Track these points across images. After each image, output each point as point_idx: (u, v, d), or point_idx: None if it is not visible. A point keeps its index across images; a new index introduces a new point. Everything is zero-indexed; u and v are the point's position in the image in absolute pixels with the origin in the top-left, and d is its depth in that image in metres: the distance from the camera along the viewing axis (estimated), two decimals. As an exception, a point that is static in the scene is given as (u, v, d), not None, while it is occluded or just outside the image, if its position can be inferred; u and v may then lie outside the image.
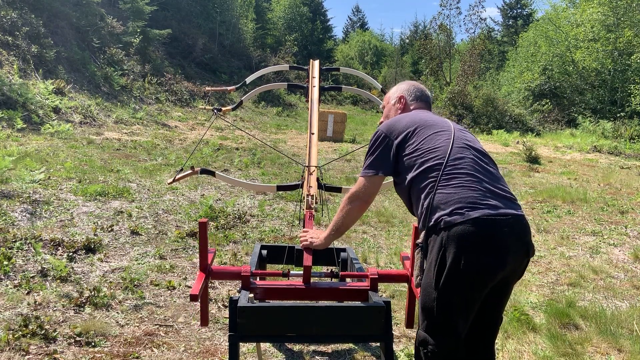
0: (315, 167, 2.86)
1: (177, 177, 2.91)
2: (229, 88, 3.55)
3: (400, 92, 2.33)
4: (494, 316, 2.00)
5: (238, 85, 3.63)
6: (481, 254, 1.78)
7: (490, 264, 1.79)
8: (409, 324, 2.50)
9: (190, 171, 2.94)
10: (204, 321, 2.38)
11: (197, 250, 4.49)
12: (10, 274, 3.64)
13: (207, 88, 3.72)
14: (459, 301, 1.83)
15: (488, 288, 1.85)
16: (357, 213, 2.14)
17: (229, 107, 3.49)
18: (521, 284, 4.22)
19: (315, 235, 2.29)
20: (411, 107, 2.29)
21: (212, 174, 3.03)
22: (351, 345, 3.05)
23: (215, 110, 3.28)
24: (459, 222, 1.78)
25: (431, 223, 1.86)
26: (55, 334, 2.89)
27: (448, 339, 1.86)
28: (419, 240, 1.94)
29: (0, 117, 9.24)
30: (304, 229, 2.41)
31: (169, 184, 3.03)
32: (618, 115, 20.70)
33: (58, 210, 5.17)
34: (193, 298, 2.07)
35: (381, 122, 2.33)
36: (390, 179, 2.20)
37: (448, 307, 1.83)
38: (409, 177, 1.98)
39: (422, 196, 1.92)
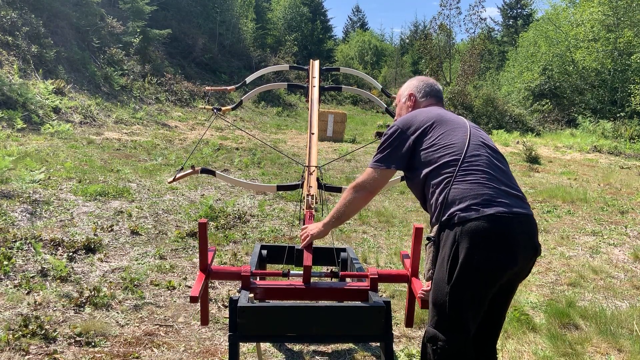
0: (316, 167, 2.86)
1: (178, 176, 2.91)
2: (228, 88, 3.55)
3: (410, 90, 2.32)
4: (499, 315, 2.02)
5: (238, 85, 3.62)
6: (494, 251, 1.79)
7: (502, 261, 1.81)
8: (409, 323, 2.50)
9: (190, 170, 2.93)
10: (204, 321, 2.38)
11: (197, 250, 4.50)
12: (10, 274, 3.64)
13: (207, 88, 3.72)
14: (470, 297, 1.83)
15: (498, 285, 1.86)
16: (360, 203, 2.13)
17: (229, 107, 3.49)
18: (521, 284, 4.21)
19: (313, 227, 2.28)
20: (422, 105, 2.28)
21: (213, 173, 3.03)
22: (351, 345, 3.05)
23: (215, 110, 3.27)
24: (474, 218, 1.80)
25: (445, 217, 1.87)
26: (55, 334, 2.89)
27: (458, 335, 1.86)
28: (431, 234, 1.94)
29: (0, 117, 9.24)
30: (304, 226, 2.41)
31: (169, 182, 3.03)
32: (618, 115, 20.69)
33: (58, 210, 5.17)
34: (193, 300, 2.07)
35: (395, 120, 2.32)
36: (392, 178, 2.19)
37: (460, 303, 1.84)
38: (424, 171, 1.99)
39: (437, 191, 1.92)
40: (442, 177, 1.92)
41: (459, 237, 1.81)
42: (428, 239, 1.96)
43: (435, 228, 1.93)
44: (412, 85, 2.33)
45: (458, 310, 1.84)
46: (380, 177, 2.06)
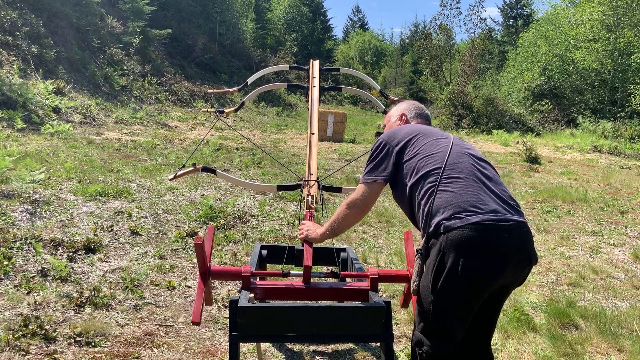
0: (315, 181, 2.83)
1: (179, 173, 2.91)
2: (231, 90, 3.55)
3: (401, 111, 2.40)
4: (491, 320, 2.00)
5: (240, 86, 3.63)
6: (479, 259, 1.74)
7: (489, 270, 1.76)
8: (405, 303, 2.54)
9: (191, 168, 2.94)
10: (196, 316, 2.33)
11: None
12: (10, 274, 3.63)
13: (209, 90, 3.73)
14: (455, 306, 1.81)
15: (486, 294, 1.83)
16: (352, 219, 2.16)
17: (232, 109, 3.49)
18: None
19: (312, 228, 2.31)
20: (412, 123, 2.34)
21: (213, 172, 3.03)
22: (351, 345, 3.06)
23: (218, 113, 3.27)
24: (458, 227, 1.75)
25: (431, 228, 1.84)
26: (55, 334, 2.89)
27: (443, 342, 1.85)
28: (419, 247, 1.92)
29: (0, 117, 9.24)
30: (302, 222, 2.42)
31: (169, 180, 3.04)
32: (618, 115, 20.70)
33: (58, 210, 5.17)
34: (195, 324, 2.13)
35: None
36: None
37: (444, 311, 1.81)
38: (408, 184, 1.99)
39: (423, 202, 1.91)
40: (426, 187, 1.91)
41: (444, 247, 1.77)
42: (417, 251, 1.93)
43: (423, 240, 1.90)
44: (403, 107, 2.42)
45: (443, 318, 1.82)
46: (369, 191, 2.08)
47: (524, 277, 1.91)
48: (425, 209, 1.88)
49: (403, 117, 2.36)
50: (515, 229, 1.79)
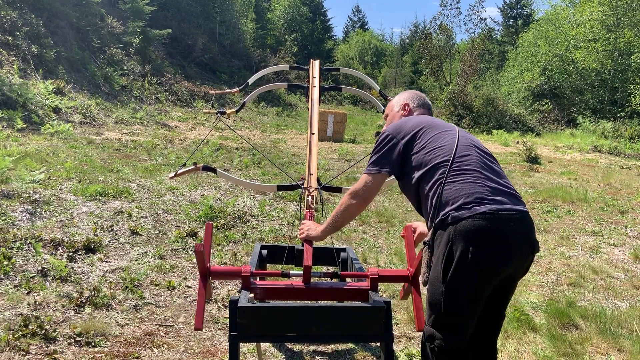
0: (315, 188, 2.83)
1: (179, 172, 2.92)
2: (232, 90, 3.55)
3: (404, 100, 2.40)
4: (498, 313, 2.02)
5: (241, 87, 3.63)
6: (488, 248, 1.79)
7: (497, 258, 1.81)
8: (421, 324, 2.40)
9: (192, 167, 2.95)
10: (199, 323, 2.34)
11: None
12: (10, 274, 3.63)
13: (210, 91, 3.71)
14: (465, 296, 1.83)
15: (494, 283, 1.86)
16: (355, 210, 2.15)
17: (233, 110, 3.49)
18: (521, 284, 4.22)
19: (313, 227, 2.32)
20: (415, 113, 2.35)
21: (214, 171, 3.04)
22: (351, 345, 3.06)
23: (219, 114, 3.27)
24: (466, 217, 1.80)
25: (438, 219, 1.87)
26: (55, 334, 2.89)
27: (455, 334, 1.86)
28: (427, 239, 1.95)
29: (0, 117, 9.24)
30: (302, 222, 2.42)
31: (170, 178, 3.04)
32: (618, 115, 20.71)
33: (58, 210, 5.17)
34: (197, 328, 2.13)
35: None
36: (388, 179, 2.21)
37: (455, 302, 1.84)
38: (416, 176, 2.01)
39: (431, 194, 1.94)
40: (434, 179, 1.94)
41: (452, 237, 1.81)
42: (424, 243, 1.96)
43: (430, 232, 1.93)
44: (405, 96, 2.42)
45: (454, 308, 1.85)
46: (372, 182, 2.09)
47: (527, 265, 1.96)
48: (434, 201, 1.91)
49: (406, 106, 2.37)
50: (520, 218, 1.85)
